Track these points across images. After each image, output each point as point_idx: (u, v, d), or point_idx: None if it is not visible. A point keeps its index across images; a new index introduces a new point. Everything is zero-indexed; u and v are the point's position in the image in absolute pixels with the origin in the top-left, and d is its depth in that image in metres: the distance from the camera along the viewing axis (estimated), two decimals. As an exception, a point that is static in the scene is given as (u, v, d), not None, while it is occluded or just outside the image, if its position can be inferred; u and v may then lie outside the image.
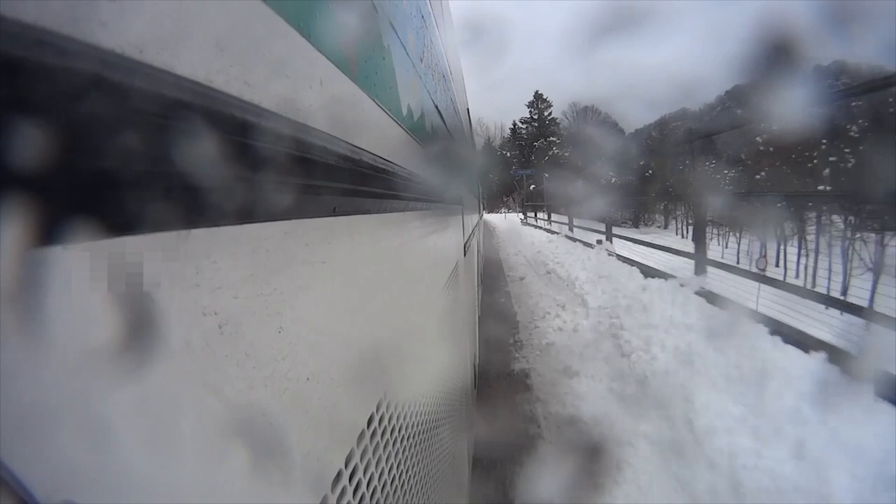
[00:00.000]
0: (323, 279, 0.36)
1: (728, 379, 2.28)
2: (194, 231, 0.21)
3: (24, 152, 0.13)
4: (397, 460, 0.55)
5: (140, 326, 0.18)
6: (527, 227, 15.43)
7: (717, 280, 3.90)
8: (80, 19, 0.16)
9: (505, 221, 22.12)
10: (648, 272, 4.78)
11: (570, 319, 3.81)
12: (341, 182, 0.39)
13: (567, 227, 10.44)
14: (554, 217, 14.08)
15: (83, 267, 0.16)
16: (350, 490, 0.39)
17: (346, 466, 0.39)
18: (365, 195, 0.46)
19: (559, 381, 2.60)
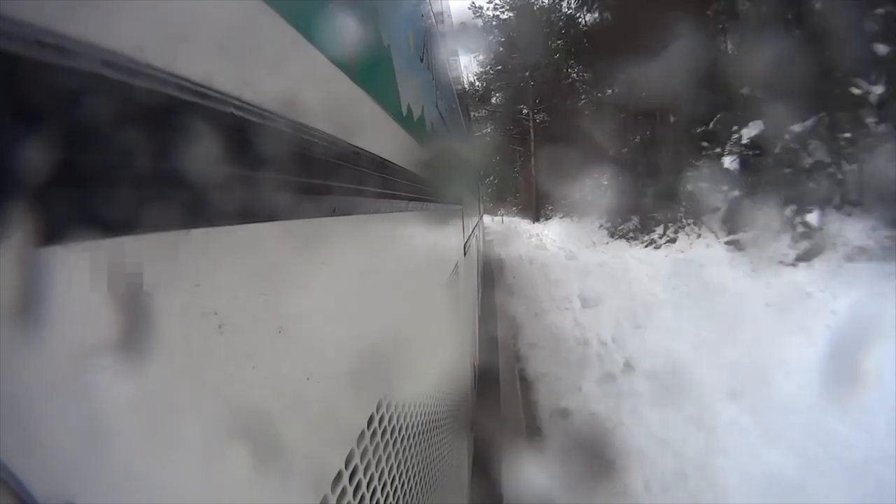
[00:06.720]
0: (323, 279, 0.36)
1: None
2: (194, 231, 0.21)
3: (24, 152, 0.13)
4: (397, 460, 0.55)
5: (140, 326, 0.18)
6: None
7: None
8: (80, 19, 0.16)
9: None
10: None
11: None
12: (341, 182, 0.39)
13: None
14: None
15: (83, 267, 0.16)
16: (350, 490, 0.39)
17: (346, 467, 0.39)
18: (365, 195, 0.46)
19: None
